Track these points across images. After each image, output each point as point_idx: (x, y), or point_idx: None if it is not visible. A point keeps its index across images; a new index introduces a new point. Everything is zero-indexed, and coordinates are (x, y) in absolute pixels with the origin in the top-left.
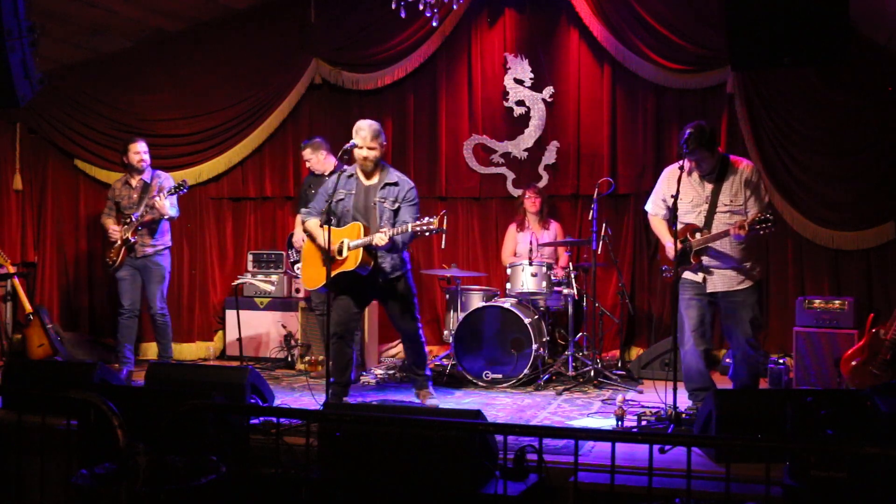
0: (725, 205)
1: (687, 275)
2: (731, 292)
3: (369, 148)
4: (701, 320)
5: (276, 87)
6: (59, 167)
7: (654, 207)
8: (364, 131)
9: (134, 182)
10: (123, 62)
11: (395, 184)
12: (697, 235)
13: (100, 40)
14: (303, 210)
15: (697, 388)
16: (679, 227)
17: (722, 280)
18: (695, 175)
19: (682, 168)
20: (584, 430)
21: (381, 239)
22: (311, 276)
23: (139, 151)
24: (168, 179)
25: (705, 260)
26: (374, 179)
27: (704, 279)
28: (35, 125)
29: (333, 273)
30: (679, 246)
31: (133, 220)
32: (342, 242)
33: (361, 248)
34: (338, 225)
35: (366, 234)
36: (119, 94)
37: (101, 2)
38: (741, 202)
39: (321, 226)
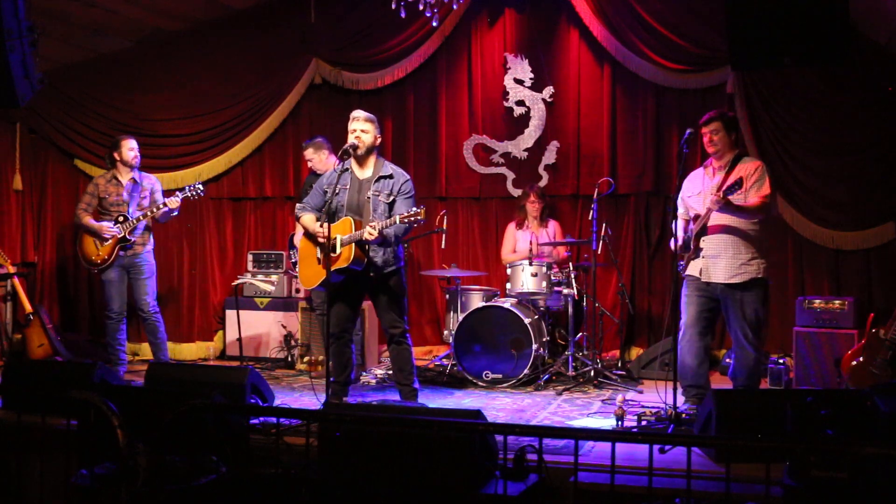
0: None
1: (689, 270)
2: (729, 286)
3: (363, 130)
4: (698, 316)
5: (276, 87)
6: (59, 167)
7: (679, 205)
8: (358, 113)
9: (124, 179)
10: (123, 62)
11: (390, 176)
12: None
13: (100, 40)
14: (297, 206)
15: (690, 385)
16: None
17: (716, 270)
18: (710, 169)
19: (706, 166)
20: (584, 430)
21: (369, 233)
22: (307, 275)
23: (133, 148)
24: (157, 182)
25: (704, 248)
26: (368, 172)
27: (701, 271)
28: (35, 125)
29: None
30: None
31: (131, 219)
32: (335, 238)
33: (353, 244)
34: (332, 221)
35: (357, 229)
36: (119, 94)
37: (101, 2)
38: (741, 194)
39: (318, 221)
